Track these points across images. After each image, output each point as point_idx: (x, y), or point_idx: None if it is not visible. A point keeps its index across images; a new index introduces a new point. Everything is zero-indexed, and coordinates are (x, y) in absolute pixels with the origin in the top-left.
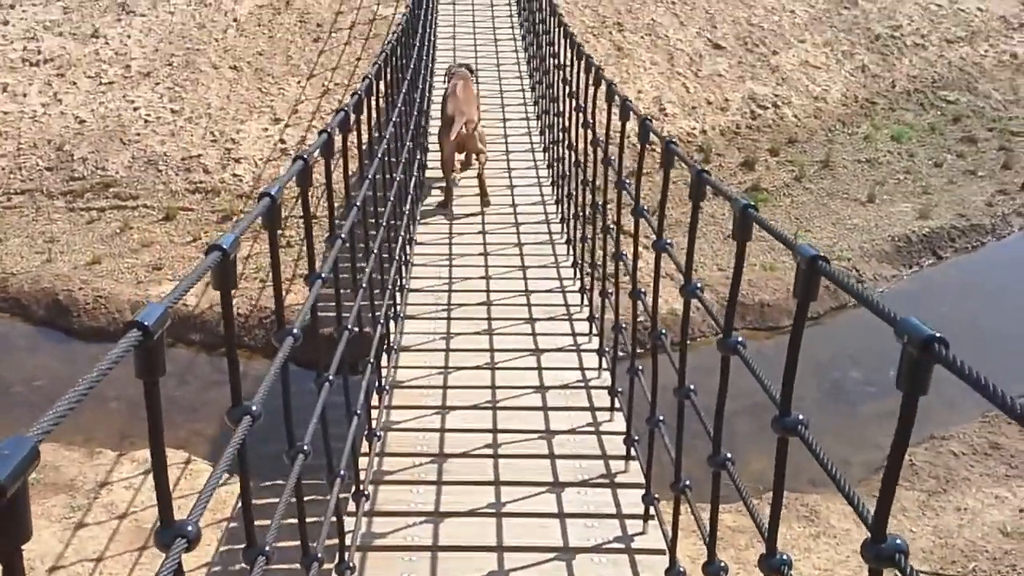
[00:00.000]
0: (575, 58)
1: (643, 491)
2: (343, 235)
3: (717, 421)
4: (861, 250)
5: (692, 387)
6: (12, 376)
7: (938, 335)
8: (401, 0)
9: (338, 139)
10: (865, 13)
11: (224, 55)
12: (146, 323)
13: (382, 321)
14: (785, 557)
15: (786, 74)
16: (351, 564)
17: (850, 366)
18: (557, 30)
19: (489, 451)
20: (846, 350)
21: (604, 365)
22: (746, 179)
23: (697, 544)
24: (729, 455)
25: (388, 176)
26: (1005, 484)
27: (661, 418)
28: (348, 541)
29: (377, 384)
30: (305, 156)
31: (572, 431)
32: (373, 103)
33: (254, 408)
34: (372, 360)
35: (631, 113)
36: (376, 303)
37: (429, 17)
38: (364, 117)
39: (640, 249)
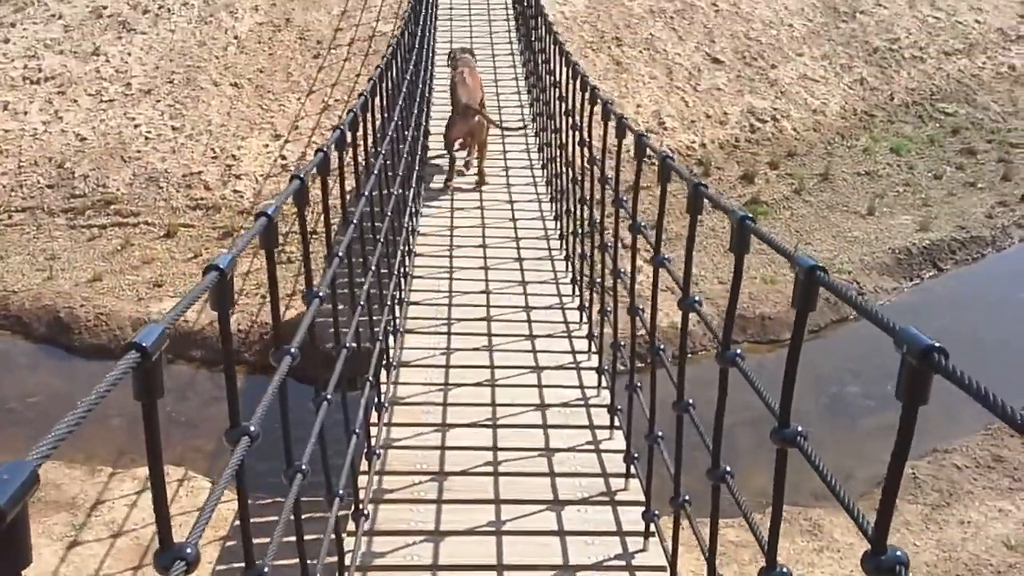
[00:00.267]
0: (571, 76)
1: (643, 508)
2: (340, 253)
3: (716, 434)
4: (862, 263)
5: (691, 401)
6: (13, 393)
7: (937, 344)
8: (399, 17)
9: (334, 157)
10: (863, 26)
11: (225, 72)
12: (144, 344)
13: (381, 337)
14: (785, 570)
15: (785, 87)
16: None
17: (850, 380)
18: (553, 48)
19: (489, 469)
20: (846, 364)
21: (603, 383)
22: (746, 192)
23: (699, 560)
24: (728, 468)
25: (385, 192)
26: (1008, 497)
27: (660, 434)
28: (348, 561)
29: (376, 401)
30: (301, 175)
31: (572, 449)
32: (370, 118)
33: (252, 429)
34: (371, 377)
35: (627, 130)
36: (375, 318)
37: (427, 34)
38: (361, 134)
39: (640, 263)
